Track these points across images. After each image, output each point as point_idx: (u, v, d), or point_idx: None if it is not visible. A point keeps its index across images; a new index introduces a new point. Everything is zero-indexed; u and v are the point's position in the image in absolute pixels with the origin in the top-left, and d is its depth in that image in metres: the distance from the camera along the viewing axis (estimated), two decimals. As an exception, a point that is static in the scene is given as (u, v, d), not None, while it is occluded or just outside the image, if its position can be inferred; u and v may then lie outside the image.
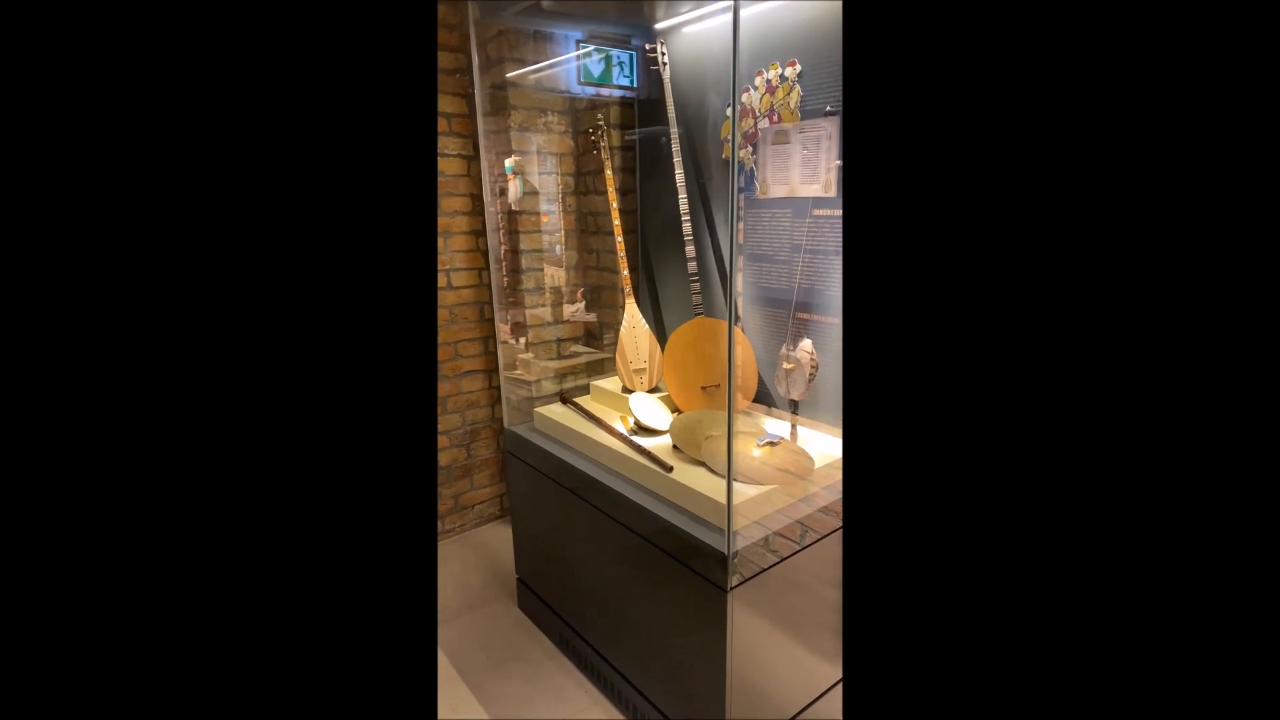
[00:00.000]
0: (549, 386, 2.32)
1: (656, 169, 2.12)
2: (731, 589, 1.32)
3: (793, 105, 1.63)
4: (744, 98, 1.79)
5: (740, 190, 1.83)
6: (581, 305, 2.51)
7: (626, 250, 2.18)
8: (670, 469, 1.53)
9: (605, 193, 1.98)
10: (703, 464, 1.55)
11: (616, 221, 1.95)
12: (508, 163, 2.28)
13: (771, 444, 1.58)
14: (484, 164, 2.08)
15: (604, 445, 1.71)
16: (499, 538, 2.67)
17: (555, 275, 2.46)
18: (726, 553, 1.31)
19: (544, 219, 2.42)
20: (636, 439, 1.73)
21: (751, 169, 1.78)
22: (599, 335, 2.50)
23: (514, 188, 2.34)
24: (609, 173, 1.97)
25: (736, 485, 1.39)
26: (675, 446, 1.62)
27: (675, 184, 1.85)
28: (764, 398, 1.88)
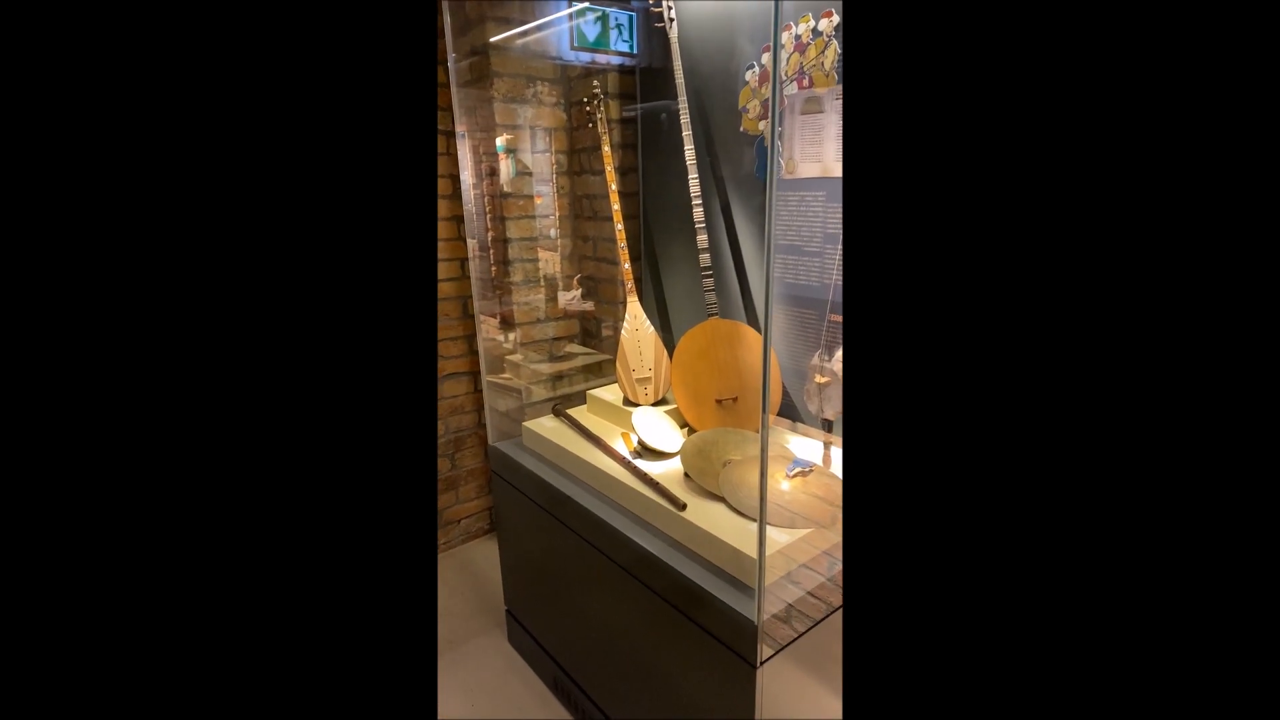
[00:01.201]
0: (539, 392, 2.06)
1: (662, 145, 1.84)
2: (762, 663, 1.07)
3: (827, 66, 1.36)
4: (763, 58, 1.51)
5: (761, 169, 1.55)
6: (578, 293, 2.25)
7: (628, 239, 1.91)
8: (683, 506, 1.28)
9: (603, 172, 1.71)
10: (721, 499, 1.30)
11: (616, 206, 1.68)
12: (499, 141, 2.02)
13: (803, 473, 1.33)
14: (464, 142, 1.80)
15: (603, 471, 1.46)
16: (487, 557, 2.43)
17: (549, 262, 2.19)
18: (756, 620, 1.06)
19: (538, 200, 2.15)
20: (640, 462, 1.47)
21: (775, 143, 1.51)
22: (596, 333, 2.24)
23: (505, 168, 2.09)
24: (607, 149, 1.69)
25: (767, 530, 1.14)
26: (686, 474, 1.37)
27: (685, 162, 1.58)
28: (787, 410, 1.62)
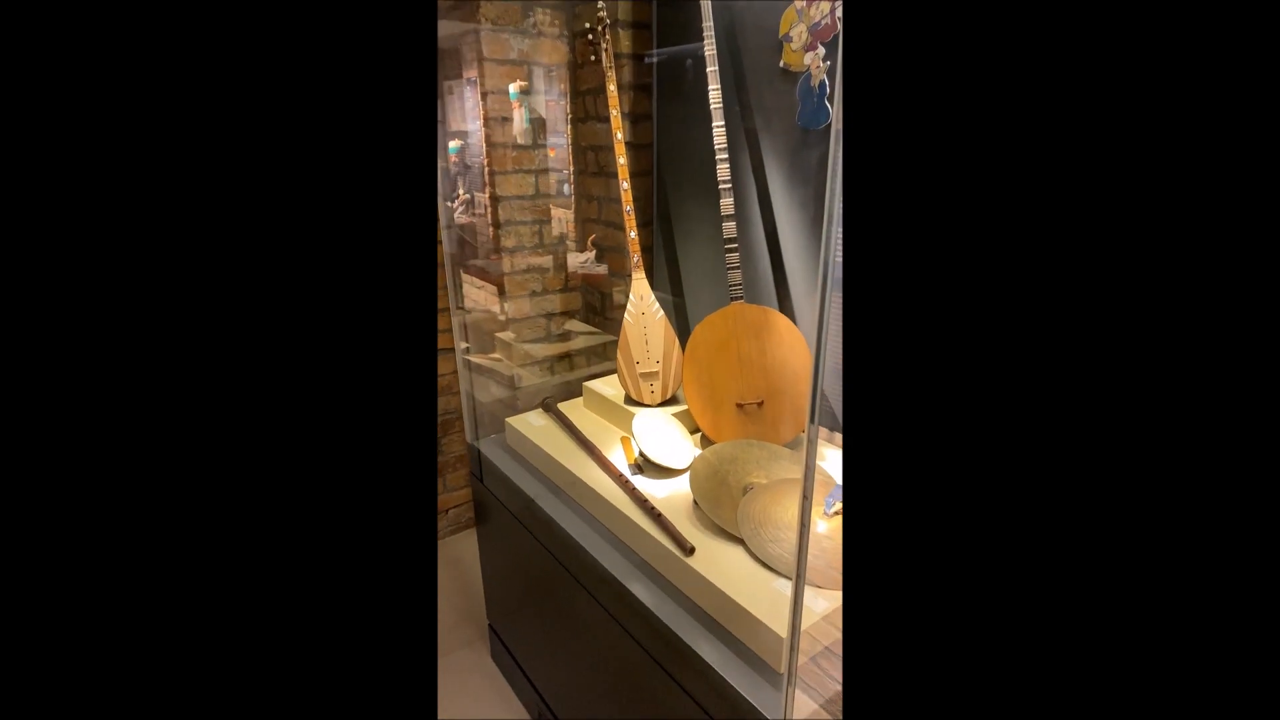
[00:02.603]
0: (530, 379, 1.78)
1: (682, 88, 1.52)
2: (787, 779, 0.81)
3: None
4: (817, -28, 1.17)
5: (806, 116, 1.23)
6: (591, 255, 1.96)
7: (635, 201, 1.60)
8: (690, 550, 1.00)
9: (609, 118, 1.39)
10: (739, 539, 1.02)
11: (621, 160, 1.37)
12: (512, 88, 1.72)
13: (844, 509, 1.05)
14: (473, 87, 1.49)
15: (592, 490, 1.19)
16: (475, 551, 2.20)
17: (563, 221, 1.89)
18: (782, 725, 0.79)
19: (551, 154, 1.85)
20: (640, 480, 1.20)
21: (821, 83, 1.18)
22: (602, 309, 1.95)
23: (519, 118, 1.79)
24: (612, 89, 1.37)
25: (788, 584, 0.85)
26: (696, 502, 1.09)
27: (708, 107, 1.26)
28: (824, 417, 1.33)
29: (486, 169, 1.80)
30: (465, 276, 2.13)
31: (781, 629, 0.85)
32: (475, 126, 1.82)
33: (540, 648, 1.45)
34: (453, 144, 1.99)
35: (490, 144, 1.77)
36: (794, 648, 0.81)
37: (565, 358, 1.93)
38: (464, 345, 1.92)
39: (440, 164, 1.57)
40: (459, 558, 2.18)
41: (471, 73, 1.74)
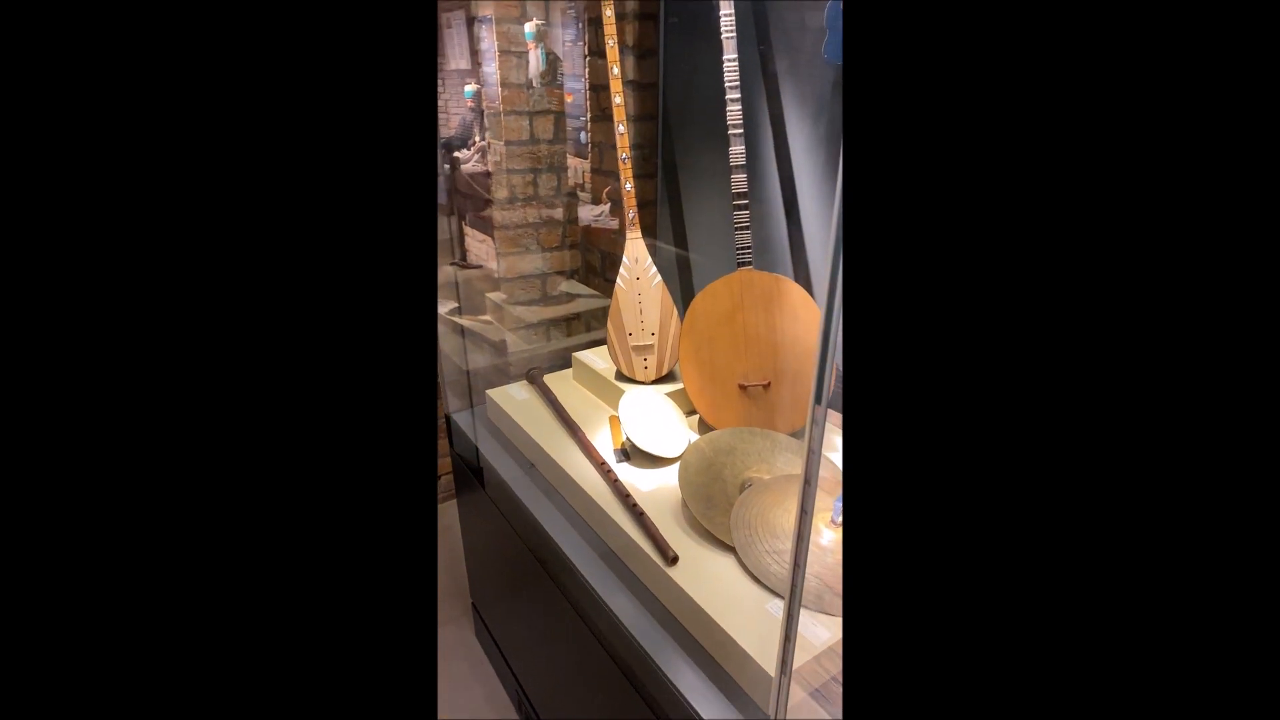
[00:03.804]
0: (517, 343, 1.64)
1: (697, 22, 1.32)
2: (771, 842, 0.69)
3: None
4: None
5: (833, 48, 1.03)
6: (605, 209, 1.79)
7: (639, 150, 1.42)
8: (674, 559, 0.87)
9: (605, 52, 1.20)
10: (731, 548, 0.88)
11: (618, 99, 1.19)
12: (528, 28, 1.54)
13: (857, 516, 0.90)
14: (489, 26, 1.30)
15: (573, 480, 1.05)
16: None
17: (579, 170, 1.72)
18: (767, 785, 0.67)
19: (569, 98, 1.68)
20: (626, 469, 1.06)
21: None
22: (601, 269, 1.78)
23: (535, 59, 1.62)
24: (609, 14, 1.18)
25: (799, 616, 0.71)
26: (685, 501, 0.95)
27: (719, 37, 1.07)
28: (836, 400, 1.17)
29: (500, 113, 1.63)
30: (467, 230, 1.97)
31: (771, 665, 0.72)
32: (491, 69, 1.65)
33: (519, 636, 1.34)
34: (468, 87, 1.83)
35: (504, 85, 1.59)
36: (783, 688, 0.68)
37: (561, 323, 1.78)
38: (453, 305, 1.77)
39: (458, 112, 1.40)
40: (448, 527, 2.09)
41: (486, 9, 1.56)
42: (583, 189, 1.80)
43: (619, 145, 1.19)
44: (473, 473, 1.31)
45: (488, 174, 1.73)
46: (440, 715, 1.47)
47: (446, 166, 1.91)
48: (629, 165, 1.19)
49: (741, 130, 1.08)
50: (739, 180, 1.09)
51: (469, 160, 1.88)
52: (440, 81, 1.96)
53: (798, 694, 0.76)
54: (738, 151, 1.09)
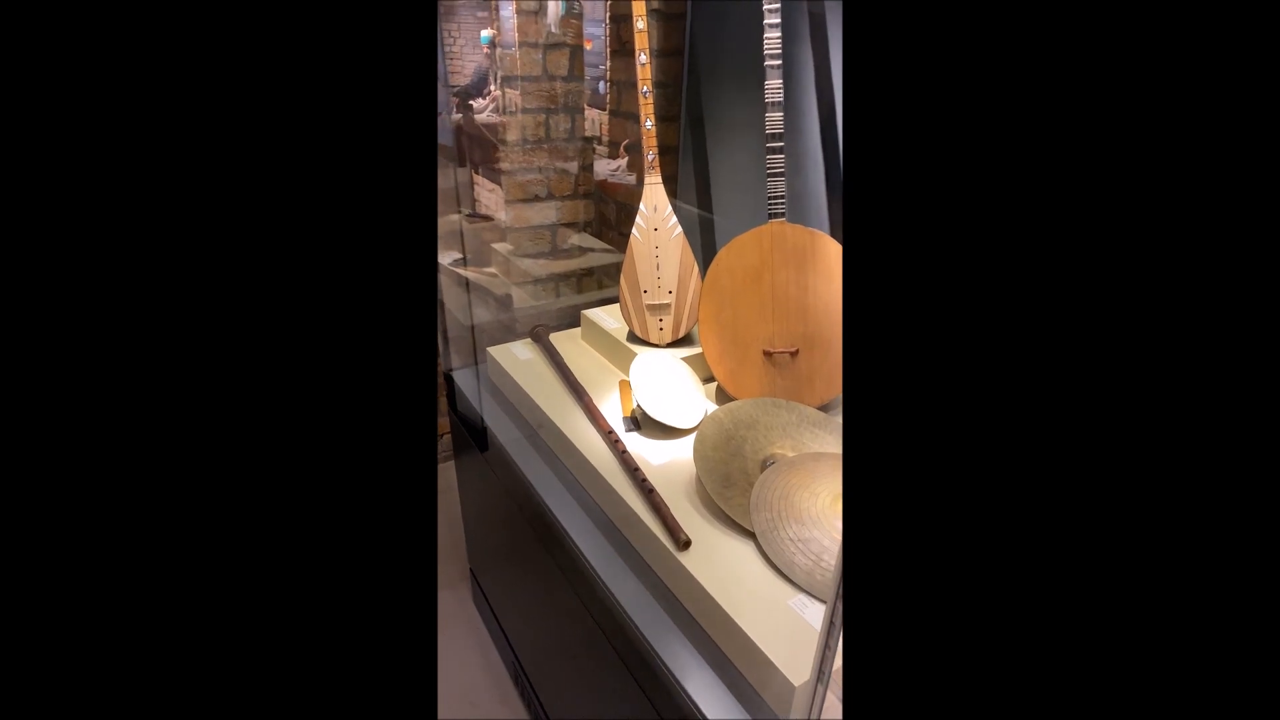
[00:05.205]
0: (524, 299, 1.53)
1: (727, -66, 1.17)
2: None
3: None
4: None
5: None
6: (623, 163, 1.68)
7: (662, 89, 1.29)
8: (686, 544, 0.77)
9: (628, -29, 1.07)
10: (751, 533, 0.78)
11: (640, 23, 1.05)
12: None
13: (893, 503, 0.80)
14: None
15: (577, 449, 0.96)
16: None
17: (597, 123, 1.59)
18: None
19: (588, 45, 1.55)
20: (634, 438, 0.96)
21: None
22: (615, 222, 1.66)
23: (554, 6, 1.53)
24: (635, -76, 1.04)
25: (810, 605, 0.62)
26: (699, 477, 0.85)
27: (760, -52, 0.93)
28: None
29: (516, 60, 1.49)
30: (477, 180, 1.86)
31: (795, 672, 0.63)
32: (508, 13, 1.51)
33: (517, 610, 1.27)
34: (485, 33, 1.70)
35: (538, 43, 1.45)
36: (818, 697, 0.59)
37: (571, 278, 1.67)
38: (456, 255, 1.67)
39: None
40: (448, 488, 2.02)
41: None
42: (600, 141, 1.68)
43: (639, 78, 1.06)
44: (473, 434, 1.22)
45: (502, 126, 1.61)
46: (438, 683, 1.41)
47: (458, 115, 1.79)
48: (650, 100, 1.06)
49: (780, 62, 0.95)
50: (775, 120, 0.96)
51: (483, 110, 1.77)
52: (455, 25, 1.83)
53: (827, 698, 0.67)
54: (774, 85, 0.96)
